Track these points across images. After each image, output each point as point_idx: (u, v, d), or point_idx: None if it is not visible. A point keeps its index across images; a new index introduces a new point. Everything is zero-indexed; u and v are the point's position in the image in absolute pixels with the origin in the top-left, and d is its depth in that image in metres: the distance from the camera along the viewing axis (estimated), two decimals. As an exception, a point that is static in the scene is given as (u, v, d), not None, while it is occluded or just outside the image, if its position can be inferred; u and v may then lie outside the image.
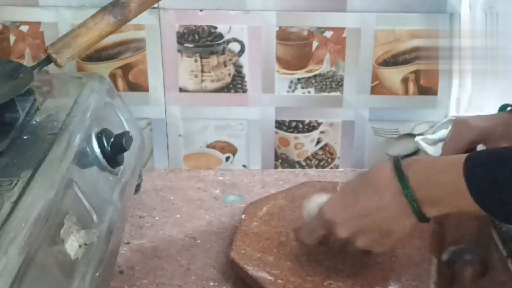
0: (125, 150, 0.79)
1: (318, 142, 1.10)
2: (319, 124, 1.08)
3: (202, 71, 1.05)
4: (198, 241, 0.91)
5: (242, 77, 1.05)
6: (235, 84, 1.06)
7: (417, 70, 1.05)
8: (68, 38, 0.80)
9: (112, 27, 0.81)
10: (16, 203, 0.59)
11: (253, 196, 1.02)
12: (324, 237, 0.75)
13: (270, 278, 0.79)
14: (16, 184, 0.62)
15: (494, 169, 0.61)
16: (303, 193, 0.95)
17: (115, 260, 0.80)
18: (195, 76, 1.05)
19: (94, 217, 0.70)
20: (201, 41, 1.03)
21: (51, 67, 0.81)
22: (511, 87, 0.98)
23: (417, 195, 0.67)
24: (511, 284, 0.81)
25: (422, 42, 1.03)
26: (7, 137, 0.69)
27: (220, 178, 1.09)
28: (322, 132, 1.09)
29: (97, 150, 0.76)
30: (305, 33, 1.03)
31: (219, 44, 1.03)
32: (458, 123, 0.89)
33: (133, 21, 0.85)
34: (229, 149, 1.10)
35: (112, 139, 0.78)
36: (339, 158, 1.11)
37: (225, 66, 1.05)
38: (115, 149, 0.78)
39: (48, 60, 0.80)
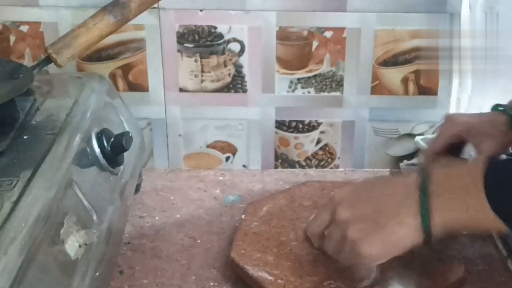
0: (125, 150, 0.79)
1: (318, 142, 1.10)
2: (319, 124, 1.08)
3: (202, 71, 1.05)
4: (198, 241, 0.91)
5: (242, 77, 1.05)
6: (235, 84, 1.06)
7: (417, 70, 1.05)
8: (68, 38, 0.80)
9: (112, 27, 0.81)
10: (16, 203, 0.59)
11: (253, 196, 1.02)
12: (327, 227, 0.73)
13: (270, 278, 0.78)
14: (16, 184, 0.62)
15: None
16: (303, 193, 0.95)
17: (115, 260, 0.80)
18: (195, 76, 1.05)
19: (94, 217, 0.70)
20: (201, 41, 1.03)
21: (51, 67, 0.81)
22: (511, 87, 0.98)
23: (434, 216, 0.64)
24: (511, 284, 0.81)
25: (422, 42, 1.03)
26: (7, 137, 0.69)
27: (220, 178, 1.09)
28: (322, 132, 1.09)
29: (97, 150, 0.76)
30: (305, 33, 1.03)
31: (219, 44, 1.03)
32: (447, 117, 0.90)
33: (133, 21, 0.85)
34: (229, 149, 1.10)
35: (112, 139, 0.78)
36: (339, 158, 1.11)
37: (225, 66, 1.05)
38: (115, 149, 0.78)
39: (48, 60, 0.80)
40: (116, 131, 0.81)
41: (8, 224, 0.56)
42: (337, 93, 1.06)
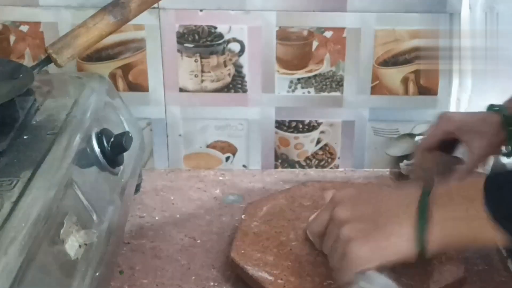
0: (125, 150, 0.79)
1: (318, 142, 1.10)
2: (319, 124, 1.08)
3: (202, 71, 1.05)
4: (198, 241, 0.91)
5: (242, 77, 1.05)
6: (235, 84, 1.06)
7: (417, 70, 1.05)
8: (68, 38, 0.80)
9: (112, 27, 0.81)
10: (16, 203, 0.59)
11: (253, 196, 1.02)
12: (326, 227, 0.72)
13: (270, 278, 0.78)
14: (16, 184, 0.62)
15: None
16: (303, 193, 0.95)
17: (115, 260, 0.80)
18: (195, 76, 1.05)
19: (94, 217, 0.70)
20: (201, 41, 1.03)
21: (51, 67, 0.81)
22: (511, 87, 0.98)
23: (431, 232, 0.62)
24: (511, 284, 0.81)
25: (422, 42, 1.03)
26: (7, 137, 0.69)
27: (220, 178, 1.09)
28: (322, 132, 1.09)
29: (97, 150, 0.76)
30: (305, 33, 1.03)
31: (219, 44, 1.03)
32: (440, 115, 0.90)
33: (133, 21, 0.85)
34: (229, 149, 1.10)
35: (112, 139, 0.78)
36: (339, 158, 1.11)
37: (225, 66, 1.05)
38: (115, 149, 0.78)
39: (48, 60, 0.80)
40: (116, 131, 0.81)
41: (8, 224, 0.56)
42: (337, 93, 1.06)
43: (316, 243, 0.79)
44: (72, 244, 0.63)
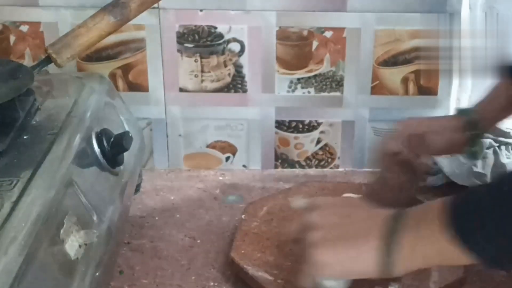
0: (125, 150, 0.79)
1: (318, 142, 1.10)
2: (319, 124, 1.08)
3: (202, 71, 1.05)
4: (198, 241, 0.91)
5: (242, 77, 1.05)
6: (235, 84, 1.06)
7: (417, 70, 1.05)
8: (68, 38, 0.80)
9: (112, 27, 0.81)
10: (16, 203, 0.59)
11: (253, 196, 1.02)
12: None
13: (270, 278, 0.78)
14: (16, 184, 0.62)
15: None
16: (303, 193, 0.95)
17: (115, 260, 0.80)
18: (195, 76, 1.05)
19: (94, 217, 0.70)
20: (201, 41, 1.03)
21: (51, 67, 0.81)
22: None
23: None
24: (511, 284, 0.81)
25: (422, 42, 1.03)
26: (7, 137, 0.69)
27: (220, 178, 1.09)
28: (322, 132, 1.09)
29: (97, 150, 0.76)
30: (305, 33, 1.03)
31: (219, 44, 1.03)
32: (400, 121, 0.91)
33: (133, 21, 0.85)
34: (229, 149, 1.10)
35: (112, 139, 0.78)
36: (339, 158, 1.11)
37: (225, 66, 1.05)
38: (115, 149, 0.78)
39: (48, 60, 0.80)
40: (116, 131, 0.81)
41: (8, 224, 0.56)
42: (337, 93, 1.06)
43: (292, 246, 0.78)
44: (72, 244, 0.63)
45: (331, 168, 1.11)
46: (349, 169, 1.11)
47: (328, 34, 1.03)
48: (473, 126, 0.86)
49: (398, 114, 1.07)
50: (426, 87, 1.06)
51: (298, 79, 1.05)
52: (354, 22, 1.02)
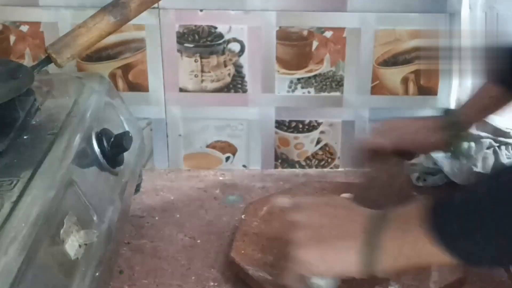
0: (125, 150, 0.79)
1: (318, 142, 1.10)
2: (319, 124, 1.08)
3: (202, 71, 1.05)
4: (198, 241, 0.91)
5: (242, 77, 1.05)
6: (235, 84, 1.06)
7: (417, 70, 1.05)
8: (68, 38, 0.80)
9: (112, 27, 0.81)
10: (16, 203, 0.59)
11: (253, 196, 1.02)
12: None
13: (270, 278, 0.78)
14: (16, 184, 0.62)
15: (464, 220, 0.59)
16: (303, 193, 0.95)
17: (115, 260, 0.80)
18: (195, 76, 1.05)
19: (94, 217, 0.70)
20: (201, 41, 1.03)
21: (51, 67, 0.81)
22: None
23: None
24: (511, 284, 0.81)
25: (422, 42, 1.03)
26: (7, 137, 0.69)
27: (220, 178, 1.09)
28: (322, 132, 1.09)
29: (97, 150, 0.76)
30: (305, 33, 1.03)
31: (219, 44, 1.03)
32: (378, 123, 0.94)
33: (133, 21, 0.85)
34: (229, 149, 1.10)
35: (112, 139, 0.78)
36: (339, 158, 1.11)
37: (225, 66, 1.05)
38: (115, 149, 0.78)
39: (48, 60, 0.80)
40: (116, 131, 0.81)
41: (8, 224, 0.56)
42: (337, 93, 1.06)
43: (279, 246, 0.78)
44: (72, 244, 0.63)
45: (331, 168, 1.11)
46: (349, 169, 1.11)
47: (328, 34, 1.03)
48: (454, 126, 0.88)
49: (398, 114, 1.07)
50: (426, 87, 1.06)
51: (298, 79, 1.05)
52: (354, 22, 1.02)
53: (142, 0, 0.82)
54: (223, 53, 1.04)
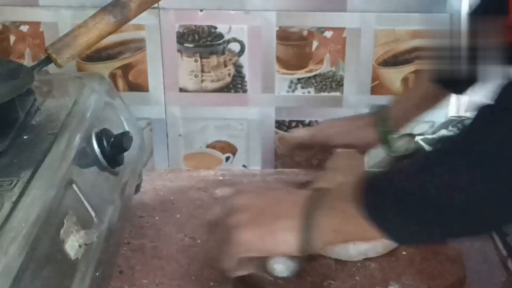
0: (125, 150, 0.79)
1: (318, 142, 1.09)
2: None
3: (202, 71, 1.05)
4: (198, 241, 0.91)
5: (242, 77, 1.05)
6: (235, 84, 1.06)
7: (417, 70, 1.05)
8: (68, 38, 0.80)
9: (112, 27, 0.81)
10: (16, 203, 0.59)
11: (253, 196, 1.02)
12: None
13: (270, 278, 0.78)
14: (16, 184, 0.62)
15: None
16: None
17: (115, 260, 0.80)
18: (195, 76, 1.05)
19: (94, 217, 0.70)
20: (201, 41, 1.03)
21: (51, 67, 0.81)
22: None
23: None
24: (511, 284, 0.81)
25: (422, 42, 1.03)
26: (7, 137, 0.69)
27: (220, 178, 1.09)
28: (322, 132, 1.09)
29: (97, 150, 0.76)
30: (305, 33, 1.03)
31: (219, 44, 1.03)
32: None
33: (133, 21, 0.84)
34: (229, 149, 1.10)
35: (112, 139, 0.78)
36: (339, 158, 1.11)
37: (225, 66, 1.05)
38: (115, 149, 0.78)
39: (48, 60, 0.79)
40: (116, 131, 0.81)
41: (8, 224, 0.56)
42: (337, 93, 1.06)
43: (210, 234, 0.77)
44: (72, 244, 0.63)
45: (331, 168, 1.11)
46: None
47: (328, 34, 1.03)
48: (384, 123, 0.92)
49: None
50: (426, 87, 1.06)
51: (298, 79, 1.05)
52: (354, 22, 1.02)
53: (142, 0, 0.82)
54: (223, 53, 1.04)
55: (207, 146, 1.10)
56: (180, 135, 1.09)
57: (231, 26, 1.02)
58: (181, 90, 1.06)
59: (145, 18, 0.99)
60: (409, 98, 0.93)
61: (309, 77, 1.05)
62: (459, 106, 1.07)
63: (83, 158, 0.73)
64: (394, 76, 1.05)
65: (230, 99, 1.07)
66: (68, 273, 0.61)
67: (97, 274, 0.66)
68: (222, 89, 1.06)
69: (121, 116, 0.89)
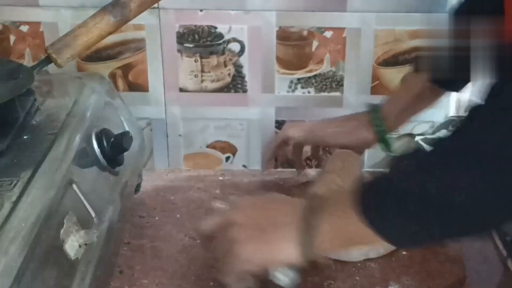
0: (125, 150, 0.79)
1: (318, 142, 1.09)
2: (319, 124, 1.08)
3: (202, 71, 1.05)
4: (198, 241, 0.91)
5: (242, 77, 1.05)
6: (235, 84, 1.06)
7: (412, 68, 1.04)
8: (68, 38, 0.80)
9: (112, 27, 0.81)
10: (16, 203, 0.59)
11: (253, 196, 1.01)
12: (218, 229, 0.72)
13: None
14: (16, 184, 0.62)
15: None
16: (303, 193, 0.95)
17: (115, 260, 0.80)
18: (195, 76, 1.05)
19: (94, 217, 0.70)
20: (201, 41, 1.03)
21: (51, 67, 0.81)
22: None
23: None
24: (511, 284, 0.81)
25: (422, 42, 1.03)
26: (7, 137, 0.69)
27: (220, 178, 1.08)
28: (322, 132, 1.09)
29: (97, 150, 0.76)
30: (305, 33, 1.03)
31: (219, 44, 1.03)
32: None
33: (133, 21, 0.84)
34: (229, 149, 1.10)
35: (112, 139, 0.78)
36: (339, 158, 1.11)
37: (225, 66, 1.05)
38: (115, 149, 0.78)
39: (48, 60, 0.80)
40: (116, 131, 0.81)
41: (8, 224, 0.56)
42: (337, 93, 1.06)
43: (203, 244, 0.78)
44: (72, 244, 0.63)
45: (331, 168, 1.11)
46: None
47: (328, 34, 1.03)
48: (379, 122, 0.92)
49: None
50: (426, 87, 1.06)
51: (298, 79, 1.05)
52: (354, 22, 1.02)
53: (142, 0, 0.82)
54: (223, 53, 1.04)
55: (207, 146, 1.10)
56: (180, 135, 1.09)
57: (231, 26, 1.02)
58: (181, 90, 1.06)
59: (145, 18, 0.99)
60: (404, 97, 0.93)
61: (309, 77, 1.05)
62: (459, 106, 1.07)
63: (83, 158, 0.73)
64: (394, 76, 1.05)
65: (230, 99, 1.07)
66: (68, 273, 0.61)
67: (97, 274, 0.66)
68: (222, 89, 1.06)
69: (121, 116, 0.89)
